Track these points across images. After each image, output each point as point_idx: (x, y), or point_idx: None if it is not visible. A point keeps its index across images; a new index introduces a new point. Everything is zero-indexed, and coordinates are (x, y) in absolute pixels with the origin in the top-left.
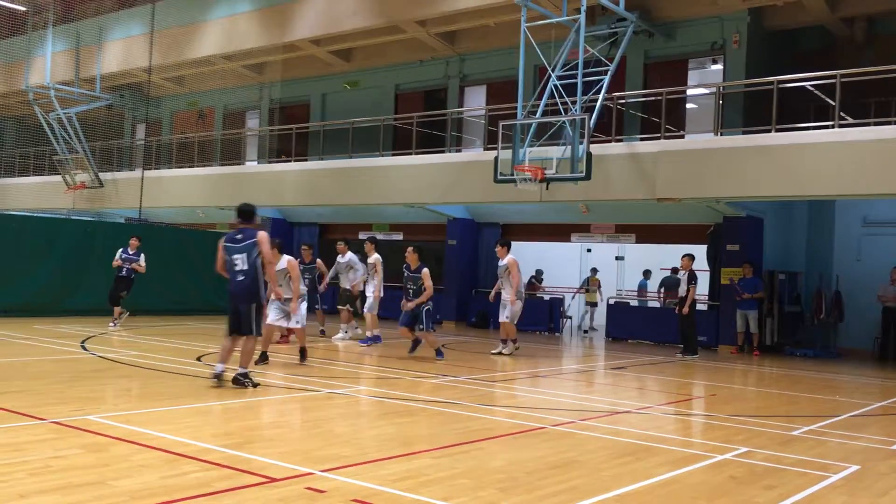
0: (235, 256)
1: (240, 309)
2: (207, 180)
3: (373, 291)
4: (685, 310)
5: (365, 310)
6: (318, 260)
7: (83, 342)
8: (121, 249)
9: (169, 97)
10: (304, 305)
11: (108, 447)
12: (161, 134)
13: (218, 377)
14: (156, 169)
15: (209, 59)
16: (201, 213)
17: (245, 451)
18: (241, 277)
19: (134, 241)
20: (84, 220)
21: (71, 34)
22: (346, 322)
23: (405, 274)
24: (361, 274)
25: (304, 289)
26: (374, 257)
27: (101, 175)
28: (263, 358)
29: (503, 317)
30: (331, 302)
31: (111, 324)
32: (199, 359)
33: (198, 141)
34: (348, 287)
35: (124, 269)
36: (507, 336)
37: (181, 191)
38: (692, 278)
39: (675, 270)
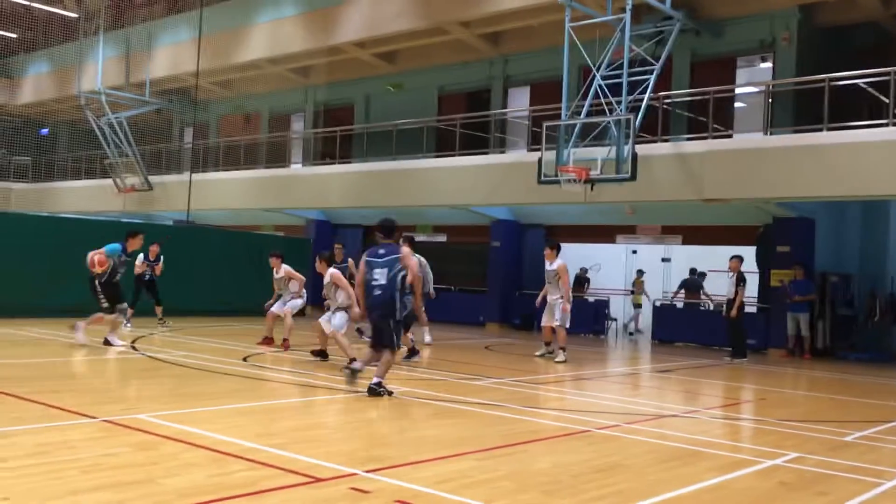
0: (376, 271)
1: (380, 324)
2: (253, 183)
3: None
4: (733, 313)
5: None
6: (350, 260)
7: (133, 342)
8: (141, 255)
9: (216, 101)
10: (342, 315)
11: (156, 445)
12: (208, 137)
13: (353, 372)
14: (203, 172)
15: (255, 62)
16: (247, 216)
17: (290, 450)
18: (378, 292)
19: (154, 248)
20: (134, 222)
21: (121, 40)
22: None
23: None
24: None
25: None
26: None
27: (151, 178)
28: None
29: (553, 321)
30: None
31: (127, 323)
32: (245, 359)
33: (244, 144)
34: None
35: (147, 275)
36: (562, 343)
37: (227, 193)
38: (740, 280)
39: (693, 272)
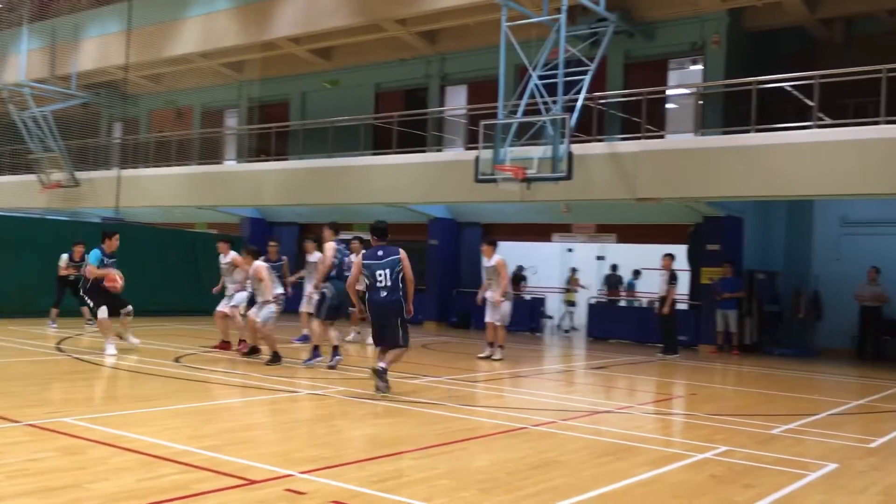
0: (378, 272)
1: (387, 322)
2: (185, 180)
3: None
4: (665, 310)
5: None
6: (284, 258)
7: (58, 343)
8: (65, 256)
9: (146, 95)
10: (270, 308)
11: (84, 450)
12: (138, 132)
13: (380, 373)
14: (133, 168)
15: (187, 56)
16: (180, 213)
17: (224, 452)
18: (385, 293)
19: (79, 248)
20: (59, 219)
21: (46, 31)
22: (355, 324)
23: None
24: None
25: (281, 290)
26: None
27: (77, 174)
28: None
29: (494, 319)
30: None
31: (52, 324)
32: (177, 360)
33: (176, 140)
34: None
35: (72, 275)
36: (500, 342)
37: (159, 190)
38: (672, 278)
39: (613, 268)
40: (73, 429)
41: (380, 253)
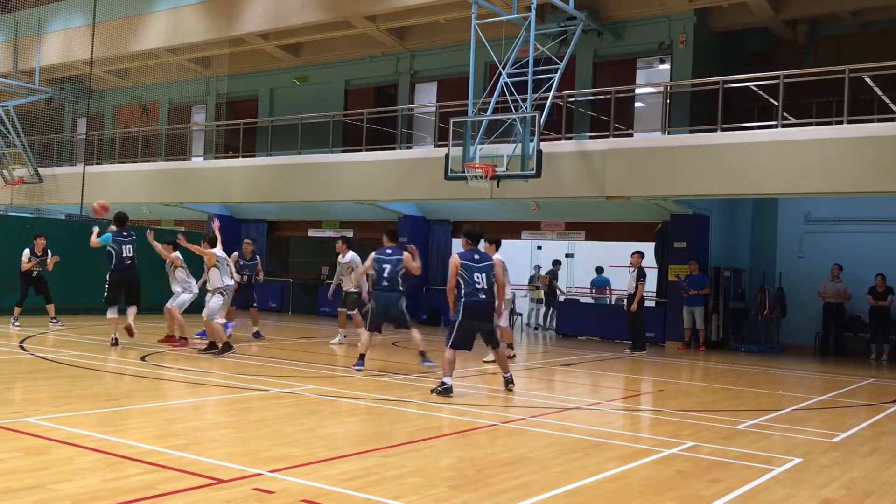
0: (476, 275)
1: (487, 326)
2: (152, 176)
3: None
4: (633, 307)
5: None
6: (258, 258)
7: (21, 342)
8: (27, 251)
9: (111, 91)
10: (217, 300)
11: (48, 450)
12: (103, 128)
13: (446, 391)
14: (98, 164)
15: (153, 52)
16: (146, 210)
17: (191, 452)
18: (483, 296)
19: (41, 242)
20: (23, 216)
21: (9, 25)
22: (342, 326)
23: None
24: (357, 271)
25: (231, 282)
26: (349, 256)
27: (41, 170)
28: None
29: (502, 322)
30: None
31: (14, 322)
32: (143, 358)
33: (141, 136)
34: (353, 289)
35: (35, 271)
36: (508, 340)
37: (124, 187)
38: (641, 275)
39: (555, 263)
40: (37, 429)
41: (476, 256)
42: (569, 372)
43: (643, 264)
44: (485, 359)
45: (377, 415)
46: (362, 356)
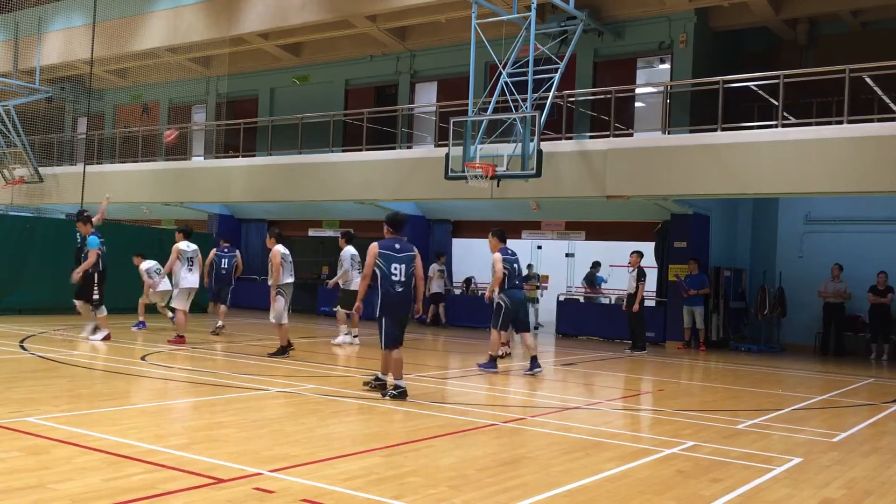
0: (395, 266)
1: (405, 320)
2: (152, 176)
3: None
4: (635, 307)
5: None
6: (238, 252)
7: (22, 342)
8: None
9: (112, 90)
10: (280, 301)
11: (48, 449)
12: (104, 128)
13: (402, 394)
14: (98, 164)
15: (153, 51)
16: (146, 210)
17: (191, 451)
18: (400, 289)
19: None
20: (23, 216)
21: (9, 24)
22: (343, 323)
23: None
24: (344, 270)
25: (290, 280)
26: (345, 251)
27: (41, 170)
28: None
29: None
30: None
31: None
32: (143, 358)
33: (142, 135)
34: (349, 287)
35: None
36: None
37: (124, 186)
38: (641, 275)
39: (529, 267)
40: (37, 428)
41: (397, 246)
42: (569, 372)
43: (642, 264)
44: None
45: (377, 414)
46: (494, 358)
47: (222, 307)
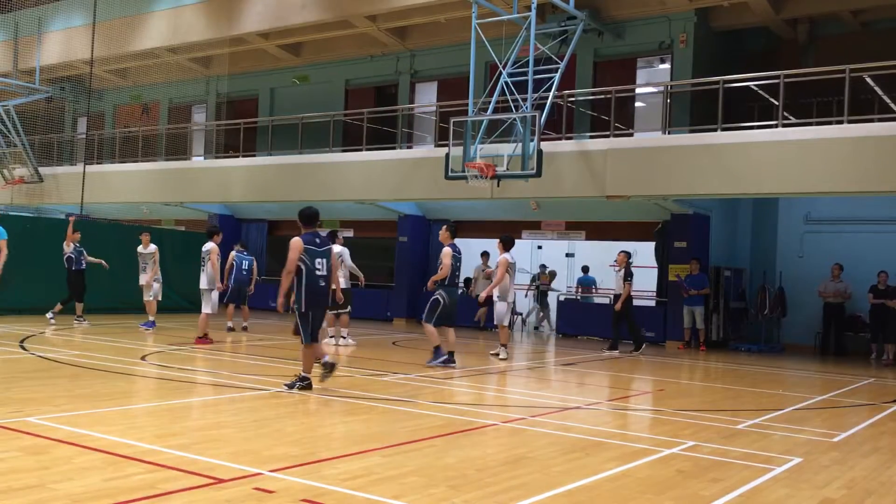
0: (318, 260)
1: (322, 312)
2: (152, 176)
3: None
4: (618, 306)
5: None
6: (232, 252)
7: (22, 342)
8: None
9: (112, 90)
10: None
11: (48, 449)
12: (103, 128)
13: (308, 386)
14: (98, 164)
15: (153, 51)
16: (146, 210)
17: (191, 451)
18: (323, 283)
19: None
20: (23, 216)
21: (9, 24)
22: (345, 326)
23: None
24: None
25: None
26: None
27: (41, 170)
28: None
29: (505, 322)
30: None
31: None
32: (143, 358)
33: (142, 135)
34: (344, 286)
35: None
36: (503, 340)
37: (124, 186)
38: (628, 275)
39: (585, 270)
40: (37, 428)
41: (317, 240)
42: (569, 372)
43: (644, 264)
44: (492, 352)
45: (377, 414)
46: (438, 348)
47: (245, 308)
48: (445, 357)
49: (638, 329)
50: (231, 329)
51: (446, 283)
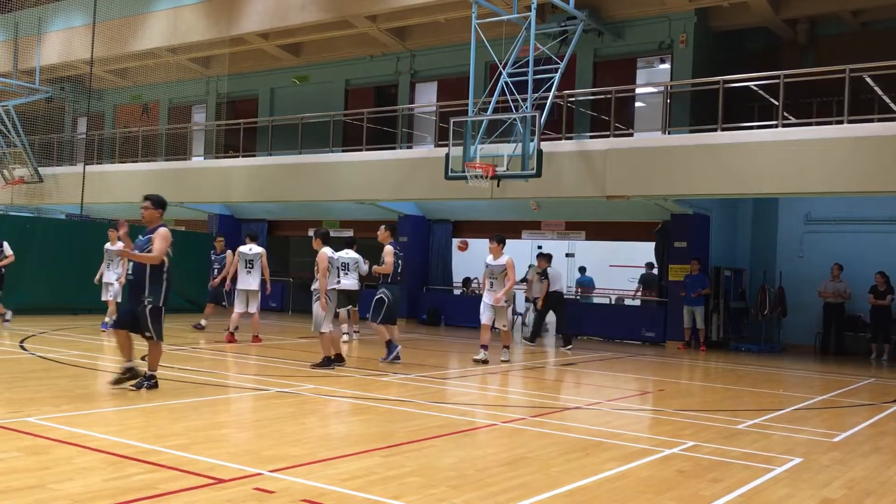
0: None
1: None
2: (152, 176)
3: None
4: (540, 304)
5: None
6: (229, 251)
7: (22, 342)
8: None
9: (112, 90)
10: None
11: (48, 449)
12: (103, 128)
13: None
14: (98, 164)
15: (153, 51)
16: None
17: (191, 451)
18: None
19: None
20: (23, 216)
21: (9, 24)
22: (353, 322)
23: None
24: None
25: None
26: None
27: (41, 170)
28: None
29: (497, 322)
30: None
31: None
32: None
33: (142, 135)
34: (356, 288)
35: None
36: (507, 342)
37: (125, 186)
38: (544, 276)
39: (650, 266)
40: (37, 428)
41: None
42: (568, 372)
43: (550, 266)
44: (474, 357)
45: (377, 415)
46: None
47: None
48: (399, 348)
49: (567, 326)
50: (202, 327)
51: (389, 280)
